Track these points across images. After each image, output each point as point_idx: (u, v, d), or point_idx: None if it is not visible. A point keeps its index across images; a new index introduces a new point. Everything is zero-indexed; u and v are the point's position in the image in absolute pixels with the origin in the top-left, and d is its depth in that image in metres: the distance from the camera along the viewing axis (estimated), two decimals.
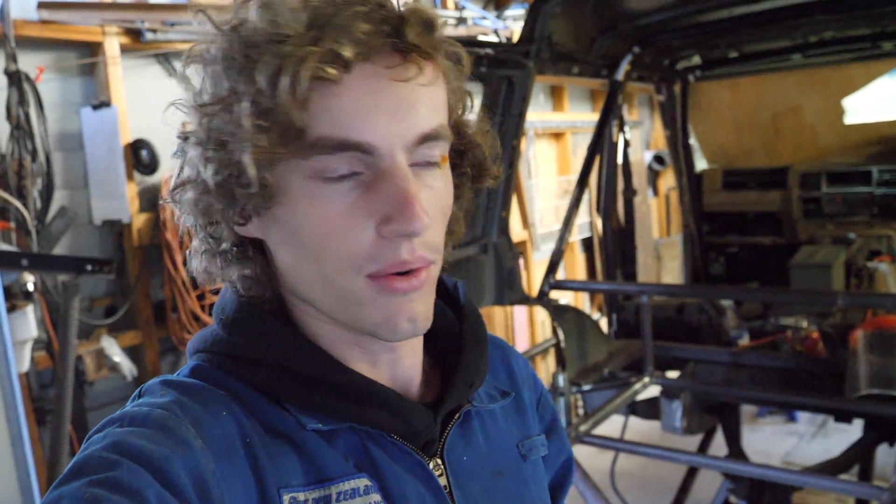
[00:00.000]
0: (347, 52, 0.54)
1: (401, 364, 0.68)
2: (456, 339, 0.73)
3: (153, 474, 0.51)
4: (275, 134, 0.55)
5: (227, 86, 0.57)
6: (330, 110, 0.56)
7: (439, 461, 0.66)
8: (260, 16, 0.57)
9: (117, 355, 2.99)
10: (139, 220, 3.12)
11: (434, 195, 0.61)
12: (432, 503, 0.64)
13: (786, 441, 4.89)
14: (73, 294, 2.48)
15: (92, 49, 3.03)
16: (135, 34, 3.07)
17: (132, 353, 3.18)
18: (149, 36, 3.07)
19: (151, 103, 3.13)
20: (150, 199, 3.21)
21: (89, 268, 2.51)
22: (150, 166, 3.13)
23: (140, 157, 3.10)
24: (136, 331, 3.20)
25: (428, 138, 0.59)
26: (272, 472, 0.58)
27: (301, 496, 0.58)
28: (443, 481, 0.65)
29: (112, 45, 3.00)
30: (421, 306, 0.61)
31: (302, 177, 0.58)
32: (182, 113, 0.61)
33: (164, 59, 3.24)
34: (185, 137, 0.61)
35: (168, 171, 3.15)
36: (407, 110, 0.57)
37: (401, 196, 0.56)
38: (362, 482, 0.61)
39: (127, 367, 3.01)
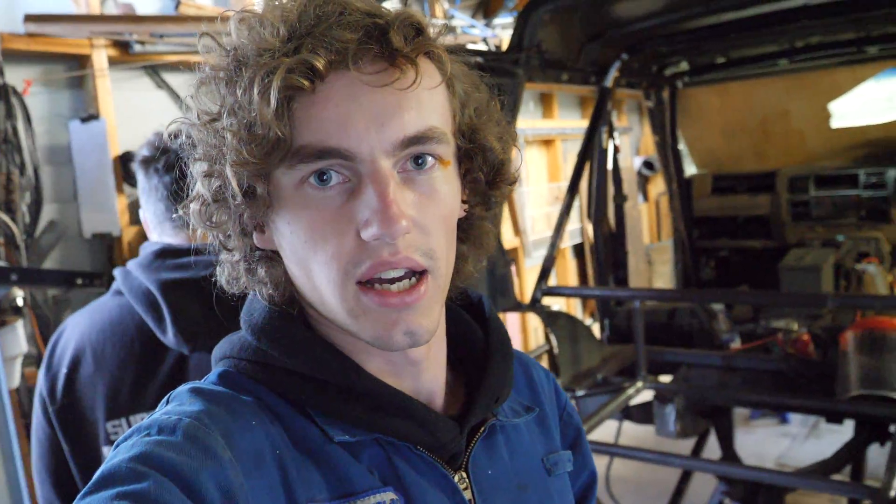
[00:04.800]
0: (319, 62, 0.55)
1: (423, 376, 0.67)
2: (480, 353, 0.72)
3: (181, 487, 0.50)
4: (257, 145, 0.56)
5: (218, 102, 0.59)
6: (310, 119, 0.57)
7: (464, 474, 0.66)
8: (249, 32, 0.58)
9: None
10: (129, 233, 3.10)
11: (429, 199, 0.60)
12: None
13: (779, 443, 4.90)
14: (64, 308, 2.47)
15: (80, 62, 3.01)
16: (123, 46, 3.06)
17: None
18: (137, 48, 3.06)
19: (140, 115, 3.11)
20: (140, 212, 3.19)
21: (80, 281, 2.49)
22: None
23: (129, 169, 3.08)
24: None
25: (414, 142, 0.58)
26: (301, 484, 0.57)
27: None
28: (468, 495, 0.65)
29: (100, 57, 2.99)
30: (422, 319, 0.60)
31: (291, 186, 0.59)
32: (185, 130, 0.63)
33: (153, 70, 3.23)
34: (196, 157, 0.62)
35: None
36: (388, 115, 0.57)
37: (378, 200, 0.56)
38: (388, 496, 0.60)
39: None
